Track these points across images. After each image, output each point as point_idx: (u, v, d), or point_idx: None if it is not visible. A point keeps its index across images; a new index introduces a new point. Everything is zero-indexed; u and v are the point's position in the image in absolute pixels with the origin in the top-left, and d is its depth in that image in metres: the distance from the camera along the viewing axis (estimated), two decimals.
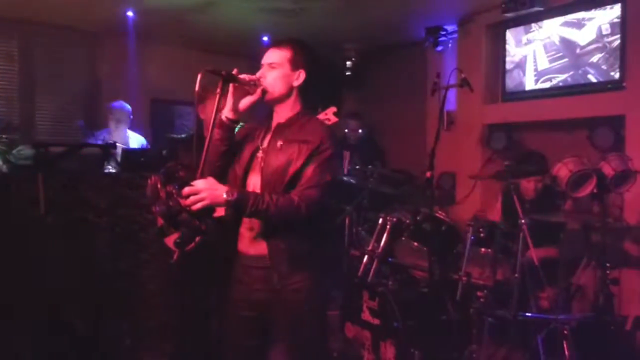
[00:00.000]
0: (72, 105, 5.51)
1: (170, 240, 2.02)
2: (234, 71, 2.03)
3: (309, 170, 2.03)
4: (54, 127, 5.43)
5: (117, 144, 3.85)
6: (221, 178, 2.10)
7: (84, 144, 4.15)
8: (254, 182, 2.11)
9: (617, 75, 4.04)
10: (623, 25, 3.99)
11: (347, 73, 6.16)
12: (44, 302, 3.07)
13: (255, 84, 2.07)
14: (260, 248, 2.08)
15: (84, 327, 3.17)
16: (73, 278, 3.14)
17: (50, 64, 5.35)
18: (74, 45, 5.54)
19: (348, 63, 6.13)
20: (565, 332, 2.97)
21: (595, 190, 3.38)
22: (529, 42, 4.71)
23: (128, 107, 4.67)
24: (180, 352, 3.13)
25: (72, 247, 3.17)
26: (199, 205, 1.88)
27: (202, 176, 1.95)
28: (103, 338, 3.22)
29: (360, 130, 5.47)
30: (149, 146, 4.84)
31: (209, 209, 1.94)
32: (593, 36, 4.21)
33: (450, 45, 5.31)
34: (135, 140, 4.72)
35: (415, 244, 3.60)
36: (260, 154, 2.13)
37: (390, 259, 3.65)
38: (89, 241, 3.25)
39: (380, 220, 3.66)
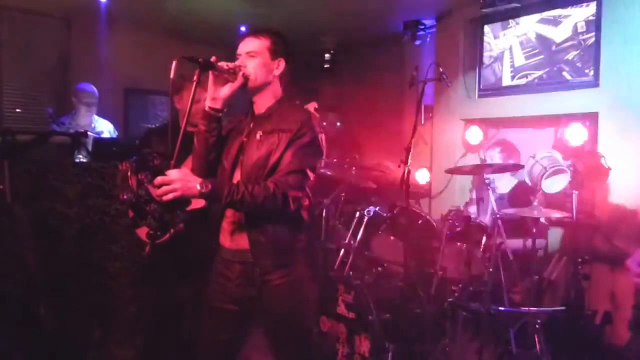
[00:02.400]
0: (41, 92, 5.34)
1: (143, 232, 1.97)
2: (212, 59, 1.97)
3: (287, 156, 1.99)
4: (22, 114, 5.25)
5: (89, 133, 3.75)
6: (212, 174, 2.07)
7: (52, 132, 4.04)
8: (239, 176, 2.07)
9: (591, 73, 4.09)
10: (598, 23, 4.04)
11: (325, 65, 6.12)
12: (11, 294, 2.97)
13: (235, 71, 2.02)
14: (242, 242, 2.04)
15: (52, 320, 3.09)
16: (41, 269, 3.05)
17: (19, 49, 5.15)
18: (43, 30, 5.34)
19: (326, 55, 6.09)
20: (537, 325, 3.02)
21: (568, 187, 3.43)
22: (505, 38, 4.73)
23: (95, 88, 4.55)
24: (150, 345, 3.07)
25: (39, 238, 3.08)
26: (170, 197, 1.81)
27: (177, 166, 1.90)
28: (72, 330, 3.14)
29: (338, 124, 5.45)
30: (117, 133, 4.72)
31: (181, 201, 1.88)
32: (569, 33, 4.26)
33: (428, 39, 5.31)
34: (103, 125, 4.59)
35: (392, 237, 3.61)
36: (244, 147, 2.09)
37: (366, 253, 3.65)
38: (57, 232, 3.16)
39: (357, 214, 3.65)
